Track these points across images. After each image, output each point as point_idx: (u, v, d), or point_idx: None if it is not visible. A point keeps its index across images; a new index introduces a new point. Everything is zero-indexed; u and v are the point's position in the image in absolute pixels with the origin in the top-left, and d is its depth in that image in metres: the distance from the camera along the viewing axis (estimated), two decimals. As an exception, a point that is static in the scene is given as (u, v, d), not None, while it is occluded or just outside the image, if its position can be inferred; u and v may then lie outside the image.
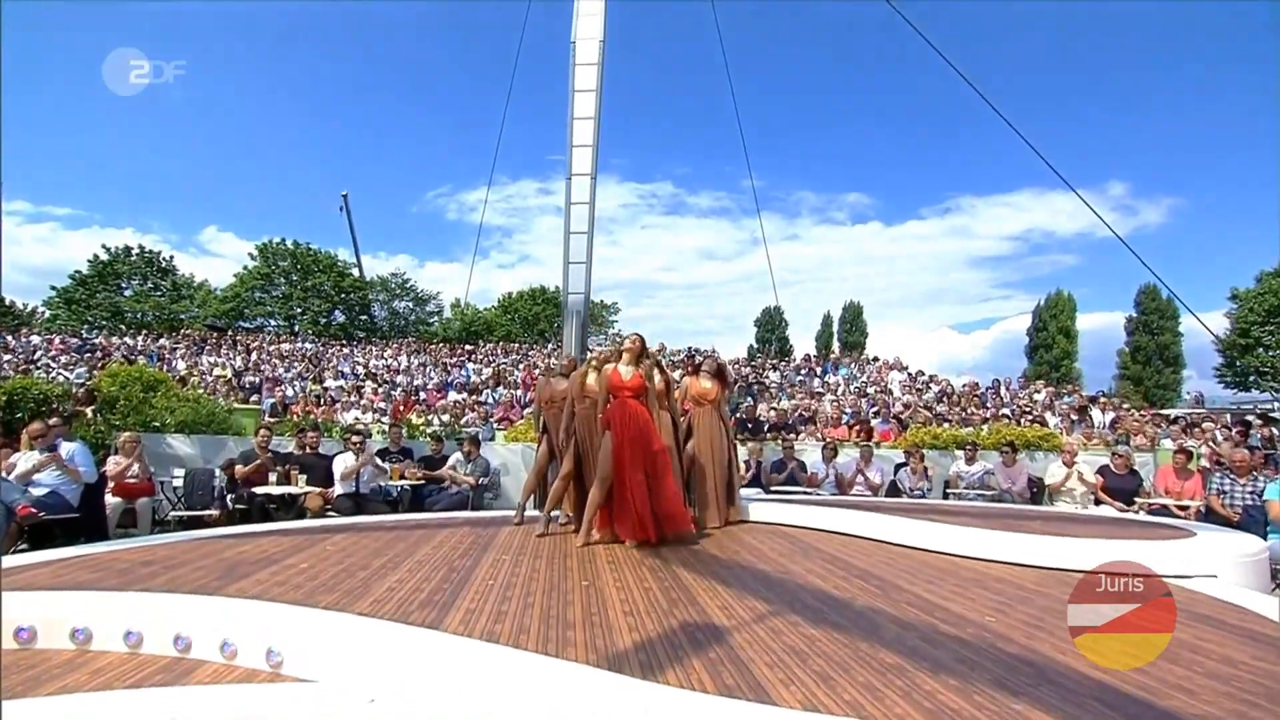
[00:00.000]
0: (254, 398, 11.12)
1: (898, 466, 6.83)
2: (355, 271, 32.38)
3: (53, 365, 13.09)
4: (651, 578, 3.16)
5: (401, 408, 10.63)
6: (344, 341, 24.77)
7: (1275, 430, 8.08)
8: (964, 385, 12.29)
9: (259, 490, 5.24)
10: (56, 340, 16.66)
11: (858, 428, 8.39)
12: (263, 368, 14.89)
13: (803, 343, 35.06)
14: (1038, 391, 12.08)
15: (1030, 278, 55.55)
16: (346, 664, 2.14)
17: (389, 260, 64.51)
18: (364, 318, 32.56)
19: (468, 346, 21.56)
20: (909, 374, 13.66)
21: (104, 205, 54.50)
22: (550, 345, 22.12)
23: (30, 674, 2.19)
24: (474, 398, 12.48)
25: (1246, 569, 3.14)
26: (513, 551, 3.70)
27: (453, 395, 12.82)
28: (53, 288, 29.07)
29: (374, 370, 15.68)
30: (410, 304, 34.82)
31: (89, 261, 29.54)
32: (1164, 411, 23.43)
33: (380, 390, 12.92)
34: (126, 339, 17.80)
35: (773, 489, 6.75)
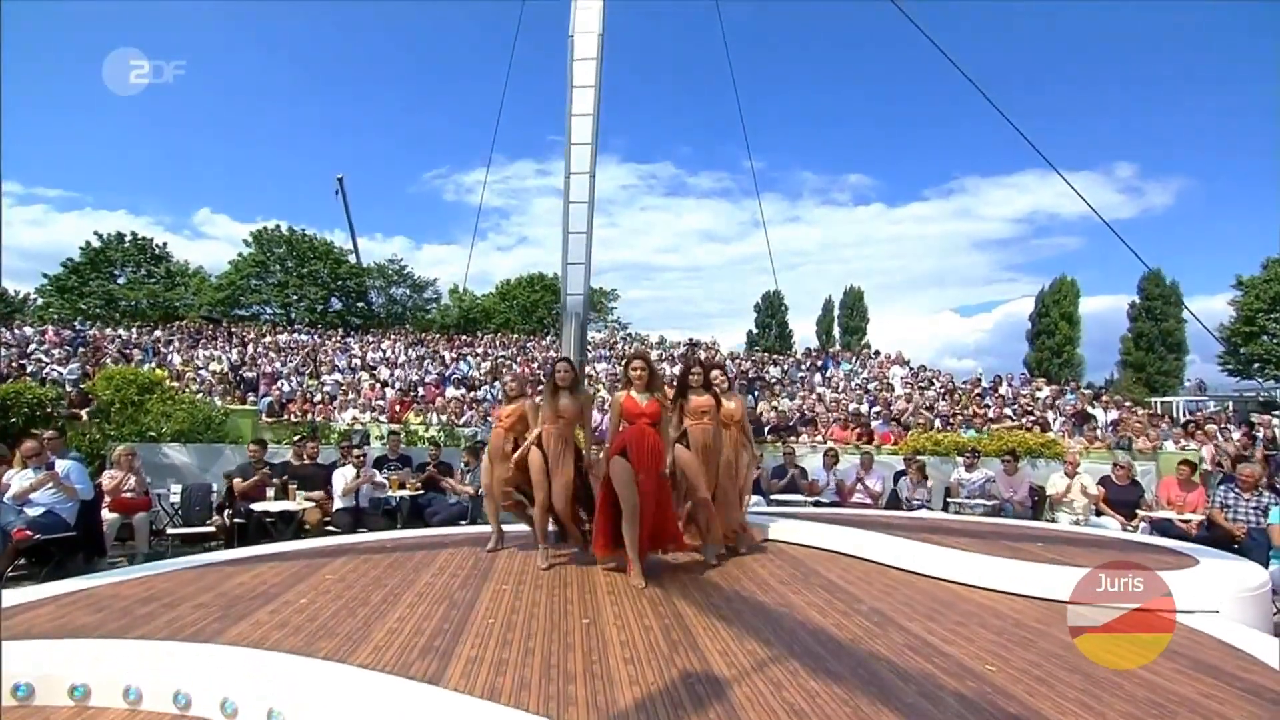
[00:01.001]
0: (250, 396, 11.07)
1: (898, 475, 6.83)
2: (352, 258, 32.12)
3: (45, 360, 12.99)
4: (651, 612, 3.16)
5: (399, 406, 10.60)
6: (340, 329, 24.65)
7: (1278, 432, 8.10)
8: (965, 382, 12.27)
9: (257, 507, 5.22)
10: (50, 332, 16.54)
11: (858, 430, 8.39)
12: (259, 361, 14.82)
13: (803, 327, 35.00)
14: (1040, 389, 12.08)
15: (1035, 260, 55.36)
16: (348, 725, 2.12)
17: (386, 242, 63.94)
18: (361, 305, 32.40)
19: (465, 338, 21.49)
20: (911, 369, 13.64)
21: (96, 187, 53.85)
22: (549, 337, 22.02)
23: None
24: (472, 394, 12.45)
25: (1248, 604, 3.15)
26: (512, 580, 3.69)
27: (451, 391, 12.79)
28: (45, 275, 28.83)
29: (371, 363, 15.62)
30: (407, 290, 34.64)
31: (81, 249, 29.25)
32: (1167, 399, 23.49)
33: (377, 386, 12.89)
34: (120, 331, 17.67)
35: (773, 496, 6.76)
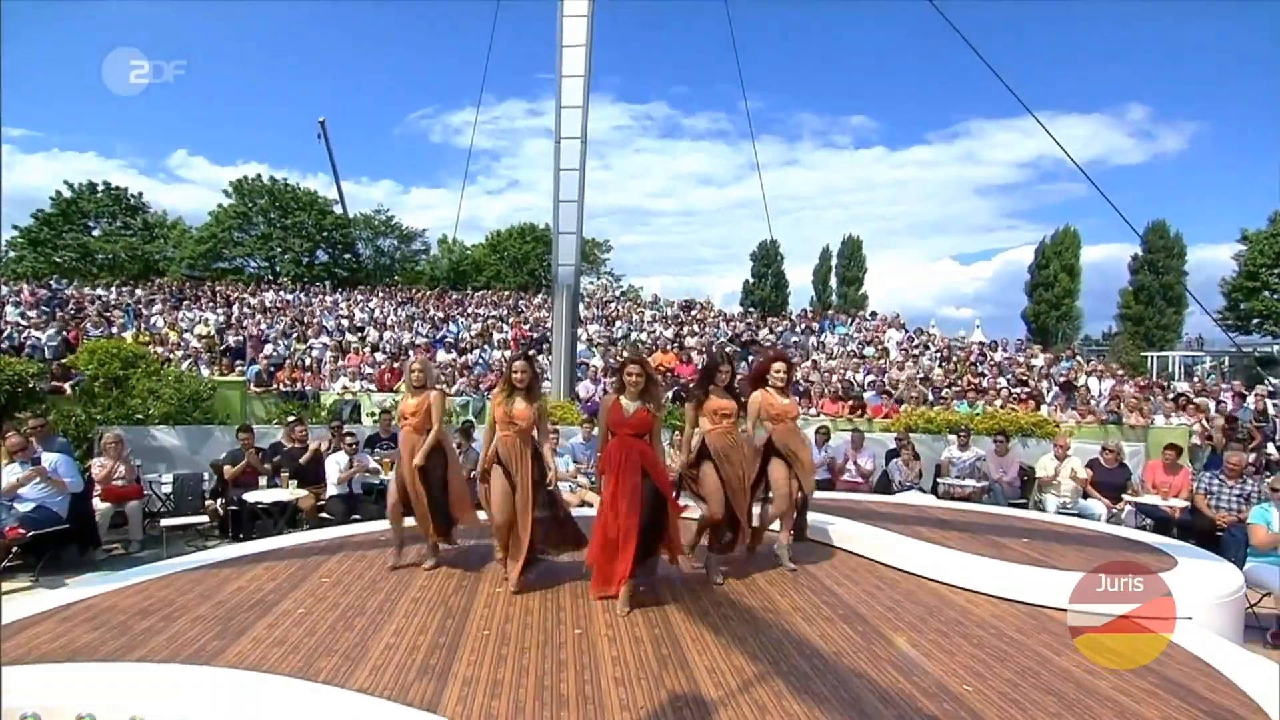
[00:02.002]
0: (238, 363, 10.94)
1: (889, 455, 6.92)
2: (337, 208, 31.10)
3: (22, 324, 12.70)
4: (643, 623, 3.24)
5: (388, 375, 10.53)
6: (328, 283, 24.18)
7: (1269, 403, 8.24)
8: (960, 341, 12.26)
9: (249, 497, 5.23)
10: (25, 291, 16.09)
11: (850, 403, 8.45)
12: (245, 324, 14.57)
13: (800, 275, 34.56)
14: (1035, 357, 12.13)
15: (1039, 206, 54.35)
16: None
17: (372, 186, 61.74)
18: (348, 257, 31.65)
19: (455, 296, 21.16)
20: (907, 334, 13.64)
21: (62, 126, 51.14)
22: (541, 295, 21.72)
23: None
24: (463, 359, 12.38)
25: (1222, 610, 3.28)
26: (505, 583, 3.74)
27: (441, 355, 12.70)
28: (15, 227, 27.77)
29: (359, 324, 15.42)
30: (395, 241, 33.82)
31: (51, 199, 28.06)
32: (1163, 353, 23.52)
33: (366, 351, 12.77)
34: (99, 290, 17.22)
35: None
